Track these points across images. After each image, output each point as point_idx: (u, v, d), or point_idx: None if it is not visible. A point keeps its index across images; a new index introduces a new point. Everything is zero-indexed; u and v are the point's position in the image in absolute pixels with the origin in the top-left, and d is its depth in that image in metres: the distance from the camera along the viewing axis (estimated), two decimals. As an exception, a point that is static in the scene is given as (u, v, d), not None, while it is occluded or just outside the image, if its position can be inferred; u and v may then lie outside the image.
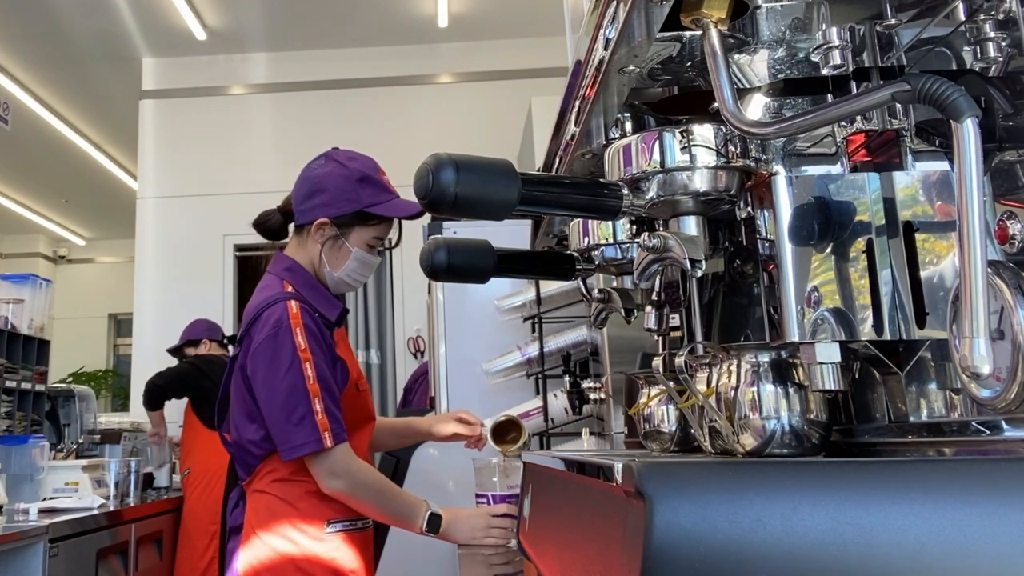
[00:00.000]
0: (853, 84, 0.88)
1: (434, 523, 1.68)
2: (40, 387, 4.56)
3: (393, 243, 1.82)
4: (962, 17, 0.80)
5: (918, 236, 0.85)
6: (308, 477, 1.65)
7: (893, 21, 0.82)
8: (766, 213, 0.90)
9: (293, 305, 1.66)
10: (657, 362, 1.04)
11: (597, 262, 1.30)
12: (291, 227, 1.85)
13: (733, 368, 0.90)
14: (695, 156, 0.91)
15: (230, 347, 4.45)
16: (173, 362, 4.40)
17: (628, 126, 1.09)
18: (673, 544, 0.58)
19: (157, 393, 4.17)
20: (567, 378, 2.21)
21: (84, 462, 3.89)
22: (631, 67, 0.94)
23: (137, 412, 5.11)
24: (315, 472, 1.63)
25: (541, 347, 2.29)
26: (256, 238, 1.87)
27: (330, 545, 1.66)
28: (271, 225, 1.85)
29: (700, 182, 0.91)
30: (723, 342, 1.00)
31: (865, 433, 0.94)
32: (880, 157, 0.91)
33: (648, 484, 0.60)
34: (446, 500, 1.82)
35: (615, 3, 0.87)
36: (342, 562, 1.66)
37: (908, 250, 0.85)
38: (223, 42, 5.59)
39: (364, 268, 1.78)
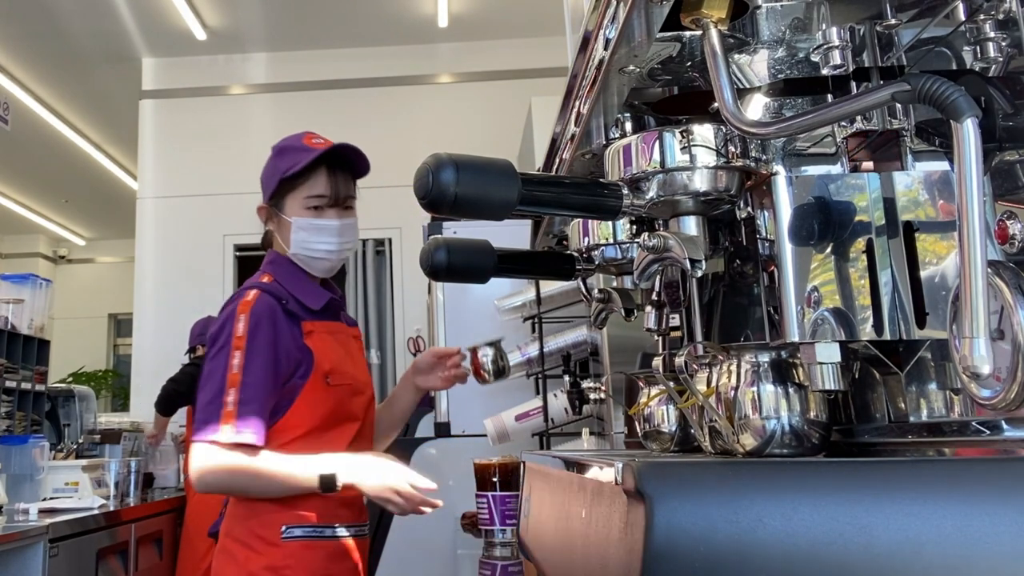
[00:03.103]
0: (853, 84, 0.88)
1: (328, 482, 1.53)
2: (40, 387, 4.56)
3: (330, 198, 1.66)
4: (962, 17, 0.80)
5: (918, 236, 0.85)
6: None
7: (893, 21, 0.82)
8: (766, 213, 0.90)
9: (250, 294, 1.62)
10: (657, 362, 1.04)
11: (597, 262, 1.30)
12: None
13: (733, 368, 0.90)
14: (695, 156, 0.91)
15: None
16: (176, 364, 4.35)
17: (628, 126, 1.09)
18: (673, 544, 0.58)
19: (176, 399, 4.13)
20: (567, 378, 2.21)
21: (84, 462, 3.88)
22: (631, 67, 0.94)
23: (137, 412, 5.11)
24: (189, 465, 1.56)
25: (541, 347, 2.29)
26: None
27: (284, 552, 1.55)
28: (267, 240, 1.86)
29: (700, 182, 0.91)
30: (723, 342, 1.00)
31: (865, 433, 0.93)
32: (880, 157, 0.91)
33: (648, 484, 0.60)
34: (446, 500, 1.81)
35: (615, 3, 0.87)
36: (294, 573, 1.54)
37: (908, 250, 0.85)
38: (223, 42, 5.59)
39: (316, 234, 1.66)
